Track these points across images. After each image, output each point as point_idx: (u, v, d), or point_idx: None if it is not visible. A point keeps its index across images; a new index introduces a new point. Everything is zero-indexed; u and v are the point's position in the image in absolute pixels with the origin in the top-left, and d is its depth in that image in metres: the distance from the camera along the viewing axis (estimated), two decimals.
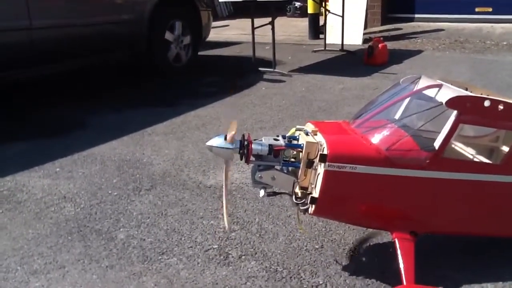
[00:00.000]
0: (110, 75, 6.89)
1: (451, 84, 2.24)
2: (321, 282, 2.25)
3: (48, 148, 4.01)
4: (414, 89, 2.30)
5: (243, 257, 2.46)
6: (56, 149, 3.96)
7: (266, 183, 2.11)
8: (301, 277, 2.29)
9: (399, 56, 7.49)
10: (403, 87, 2.34)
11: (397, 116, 2.24)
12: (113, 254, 2.49)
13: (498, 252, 2.41)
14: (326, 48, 8.26)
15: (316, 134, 2.10)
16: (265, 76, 6.49)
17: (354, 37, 8.81)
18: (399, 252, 2.02)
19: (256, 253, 2.49)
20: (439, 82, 2.21)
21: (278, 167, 2.11)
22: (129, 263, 2.42)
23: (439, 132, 2.03)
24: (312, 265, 2.38)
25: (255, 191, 3.15)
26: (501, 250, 2.41)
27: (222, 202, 2.15)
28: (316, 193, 2.03)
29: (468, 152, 2.40)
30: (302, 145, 2.06)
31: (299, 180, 2.07)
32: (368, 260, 2.43)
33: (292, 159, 2.12)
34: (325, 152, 1.97)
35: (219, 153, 2.08)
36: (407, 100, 2.27)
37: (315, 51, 8.33)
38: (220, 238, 2.64)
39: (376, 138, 2.05)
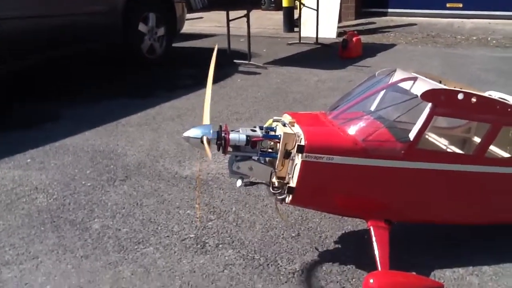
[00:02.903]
0: (85, 67, 6.75)
1: (425, 77, 2.29)
2: (298, 269, 2.27)
3: (19, 139, 3.91)
4: (390, 82, 2.33)
5: (220, 245, 2.47)
6: (28, 140, 3.86)
7: (243, 174, 2.12)
8: (278, 264, 2.31)
9: (372, 50, 7.57)
10: (378, 80, 2.37)
11: (373, 108, 2.27)
12: (88, 244, 2.46)
13: (468, 239, 2.47)
14: (301, 41, 8.29)
15: (293, 125, 2.11)
16: (240, 68, 6.47)
17: (328, 31, 8.87)
18: (374, 239, 2.06)
19: (233, 242, 2.50)
20: (414, 75, 2.25)
21: (255, 158, 2.11)
22: (105, 253, 2.39)
23: (414, 123, 2.07)
24: (289, 253, 2.40)
25: (231, 181, 3.15)
26: (470, 237, 2.48)
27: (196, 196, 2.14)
28: (293, 183, 2.04)
29: (441, 142, 2.45)
30: (279, 136, 2.07)
31: (276, 170, 2.08)
32: (344, 247, 2.46)
33: (269, 150, 2.13)
34: (303, 143, 1.98)
35: (195, 143, 2.07)
36: (382, 92, 2.30)
37: (290, 44, 8.34)
38: (197, 228, 2.63)
39: (352, 129, 2.07)
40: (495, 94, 2.48)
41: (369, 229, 2.10)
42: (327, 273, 2.24)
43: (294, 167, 2.05)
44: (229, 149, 2.07)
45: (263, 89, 5.48)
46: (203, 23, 11.33)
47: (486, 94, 2.51)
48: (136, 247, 2.44)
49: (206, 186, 3.13)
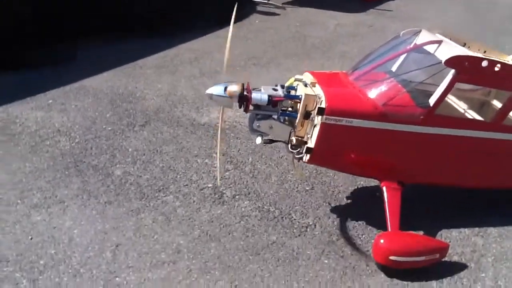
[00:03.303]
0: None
1: (450, 39, 2.26)
2: (310, 223, 2.38)
3: (38, 80, 3.94)
4: (414, 43, 2.31)
5: (237, 196, 2.57)
6: (48, 81, 3.90)
7: (263, 132, 2.16)
8: (292, 217, 2.42)
9: None
10: (403, 40, 2.34)
11: (395, 70, 2.27)
12: (111, 190, 2.57)
13: (475, 203, 2.54)
14: None
15: (314, 86, 2.13)
16: (258, 8, 6.33)
17: None
18: (386, 199, 2.13)
19: (249, 193, 2.59)
20: (439, 37, 2.22)
21: (275, 116, 2.15)
22: (127, 199, 2.50)
23: (436, 86, 2.07)
24: (303, 206, 2.50)
25: (248, 130, 3.21)
26: (477, 201, 2.54)
27: (216, 154, 2.20)
28: (312, 143, 2.09)
29: (461, 106, 2.46)
30: (300, 96, 2.09)
31: (295, 130, 2.12)
32: (355, 203, 2.56)
33: (290, 109, 2.16)
34: (323, 105, 2.01)
35: (219, 101, 2.11)
36: (406, 54, 2.28)
37: None
38: (215, 177, 2.72)
39: (373, 93, 2.09)
40: None
41: (382, 189, 2.17)
42: (338, 228, 2.34)
43: (313, 128, 2.09)
44: (251, 107, 2.11)
45: (281, 32, 5.40)
46: None
47: (510, 57, 2.48)
48: (156, 194, 2.55)
49: (223, 134, 3.18)
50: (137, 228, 2.30)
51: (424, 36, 2.29)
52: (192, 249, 2.18)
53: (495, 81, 2.08)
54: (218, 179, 2.28)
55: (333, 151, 2.11)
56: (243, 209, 2.47)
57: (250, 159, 2.91)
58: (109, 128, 3.23)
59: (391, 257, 1.97)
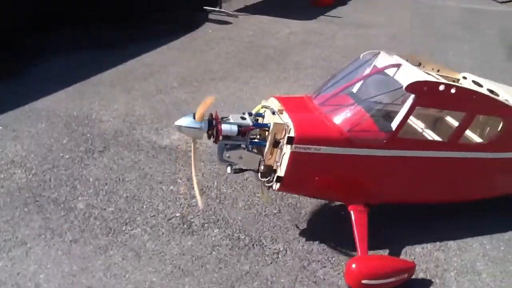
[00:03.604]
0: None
1: (407, 60, 2.35)
2: (281, 249, 2.41)
3: None
4: (373, 65, 2.37)
5: (205, 225, 2.56)
6: None
7: (233, 162, 2.17)
8: (263, 244, 2.44)
9: None
10: (363, 62, 2.40)
11: (356, 92, 2.32)
12: (75, 227, 2.50)
13: (434, 217, 2.64)
14: None
15: (282, 113, 2.15)
16: (210, 16, 6.30)
17: None
18: (354, 223, 2.20)
19: (218, 221, 2.59)
20: (397, 59, 2.29)
21: (243, 145, 2.16)
22: (93, 236, 2.44)
23: (396, 109, 2.15)
24: (272, 231, 2.52)
25: (210, 152, 3.20)
26: (437, 215, 2.65)
27: (193, 180, 2.18)
28: (281, 172, 2.12)
29: (418, 125, 2.56)
30: (269, 125, 2.11)
31: (265, 159, 2.14)
32: (323, 224, 2.60)
33: (258, 137, 2.18)
34: (292, 134, 2.04)
35: (188, 133, 2.10)
36: (364, 74, 2.34)
37: None
38: (182, 205, 2.70)
39: (338, 119, 2.14)
40: (469, 76, 2.57)
41: (350, 213, 2.22)
42: (308, 252, 2.39)
43: (282, 156, 2.11)
44: (220, 137, 2.11)
45: (235, 43, 5.40)
46: None
47: (460, 76, 2.60)
48: (123, 228, 2.50)
49: (186, 158, 3.16)
50: (107, 268, 2.25)
51: (382, 58, 2.36)
52: (166, 286, 2.16)
53: (451, 103, 2.18)
54: (200, 204, 2.24)
55: (302, 178, 2.15)
56: (213, 238, 2.47)
57: (215, 183, 2.91)
58: (67, 156, 3.13)
59: (363, 281, 2.04)
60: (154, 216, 2.61)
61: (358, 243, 2.15)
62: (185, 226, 2.54)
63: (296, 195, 2.74)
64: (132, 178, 2.93)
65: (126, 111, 3.75)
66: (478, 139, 2.47)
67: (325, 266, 2.30)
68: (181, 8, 6.46)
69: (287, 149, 2.07)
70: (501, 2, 7.37)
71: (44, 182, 2.85)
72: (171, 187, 2.86)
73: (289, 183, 2.14)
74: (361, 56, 2.46)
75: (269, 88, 4.17)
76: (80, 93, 4.01)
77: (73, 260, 2.28)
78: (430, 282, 2.21)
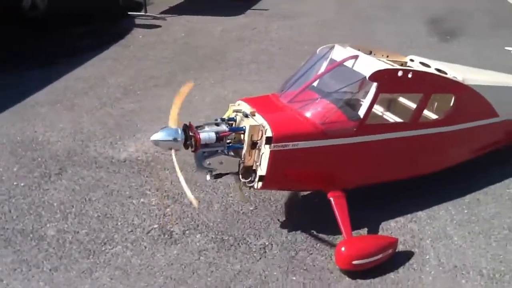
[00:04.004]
0: None
1: (359, 50, 2.48)
2: (267, 243, 2.46)
3: None
4: (330, 58, 2.48)
5: (187, 232, 2.55)
6: None
7: (214, 168, 2.19)
8: (248, 241, 2.47)
9: None
10: (321, 56, 2.50)
11: (317, 86, 2.41)
12: (51, 255, 2.39)
13: (400, 191, 2.79)
14: None
15: (254, 115, 2.20)
16: (137, 21, 6.17)
17: None
18: (335, 209, 2.30)
19: (198, 226, 2.59)
20: (352, 51, 2.41)
21: (220, 151, 2.18)
22: (73, 261, 2.35)
23: (358, 99, 2.28)
24: (254, 228, 2.56)
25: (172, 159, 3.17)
26: (403, 189, 2.80)
27: (182, 185, 2.16)
28: (263, 171, 2.17)
29: (378, 110, 2.71)
30: (244, 128, 2.15)
31: (244, 161, 2.18)
32: (300, 213, 2.68)
33: (229, 141, 2.21)
34: (270, 134, 2.09)
35: (166, 146, 2.09)
36: (325, 69, 2.44)
37: None
38: (157, 216, 2.67)
39: (310, 114, 2.22)
40: (416, 59, 2.75)
41: (330, 200, 2.32)
42: (293, 243, 2.46)
43: (261, 156, 2.16)
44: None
45: (169, 46, 5.34)
46: None
47: (407, 58, 2.78)
48: (103, 248, 2.44)
49: (149, 168, 3.12)
50: None
51: (338, 51, 2.47)
52: None
53: (410, 87, 2.34)
54: (195, 204, 2.21)
55: (283, 174, 2.21)
56: (197, 243, 2.47)
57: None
58: (22, 184, 2.97)
59: (354, 262, 2.15)
60: (132, 231, 2.56)
61: (342, 227, 2.25)
62: (166, 236, 2.52)
63: (273, 191, 2.80)
64: (98, 196, 2.84)
65: (73, 129, 3.61)
66: (433, 116, 2.66)
67: (311, 253, 2.38)
68: (104, 18, 6.28)
69: (265, 149, 2.13)
70: None
71: (4, 215, 2.69)
72: (142, 200, 2.81)
73: (270, 181, 2.19)
74: (317, 51, 2.55)
75: (216, 88, 4.19)
76: (18, 116, 3.80)
77: None
78: (411, 253, 2.36)
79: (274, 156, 2.12)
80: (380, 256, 2.21)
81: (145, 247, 2.45)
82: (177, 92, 2.24)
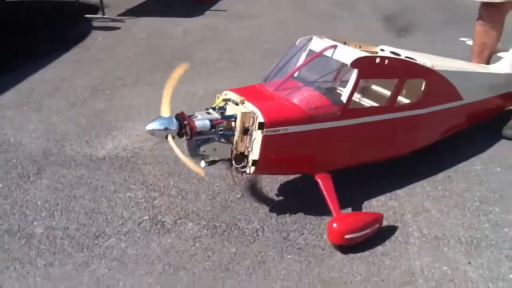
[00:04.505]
0: None
1: (334, 40, 2.62)
2: (258, 227, 2.54)
3: None
4: (308, 49, 2.60)
5: (178, 221, 2.59)
6: None
7: (208, 155, 2.25)
8: (240, 226, 2.55)
9: None
10: (300, 47, 2.62)
11: (301, 76, 2.53)
12: (44, 251, 2.37)
13: (378, 170, 2.97)
14: None
15: (243, 103, 2.28)
16: (95, 24, 6.08)
17: None
18: (323, 189, 2.42)
19: (188, 215, 2.64)
20: (332, 42, 2.55)
21: (212, 138, 2.25)
22: (67, 255, 2.34)
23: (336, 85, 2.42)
24: (243, 214, 2.64)
25: (153, 154, 3.20)
26: (379, 168, 2.98)
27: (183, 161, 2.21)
28: (255, 156, 2.26)
29: (355, 96, 2.86)
30: (235, 115, 2.23)
31: (236, 147, 2.26)
32: (286, 198, 2.79)
33: (221, 128, 2.28)
34: (262, 120, 2.19)
35: (161, 135, 2.14)
36: (305, 58, 2.56)
37: None
38: (146, 208, 2.69)
39: (297, 100, 2.33)
40: (386, 48, 2.93)
41: (317, 181, 2.44)
42: (283, 225, 2.55)
43: (253, 141, 2.25)
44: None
45: (131, 47, 5.32)
46: None
47: (378, 48, 2.95)
48: (96, 242, 2.44)
49: (130, 164, 3.13)
50: (97, 281, 2.19)
51: (316, 42, 2.60)
52: (165, 284, 2.18)
53: (386, 72, 2.51)
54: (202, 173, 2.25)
55: (274, 159, 2.30)
56: (190, 231, 2.51)
57: (171, 182, 2.93)
58: (0, 185, 2.91)
59: (346, 236, 2.27)
60: (123, 224, 2.57)
61: (331, 206, 2.37)
62: (158, 226, 2.55)
63: (259, 177, 2.89)
64: (83, 193, 2.82)
65: (46, 130, 3.54)
66: (404, 100, 2.84)
67: (303, 233, 2.49)
68: (59, 22, 6.16)
69: (258, 134, 2.21)
70: None
71: None
72: (128, 194, 2.82)
73: (263, 165, 2.28)
74: (296, 42, 2.67)
75: (186, 86, 4.23)
76: None
77: (57, 282, 2.18)
78: (394, 227, 2.52)
79: (265, 141, 2.21)
80: (368, 230, 2.35)
81: (139, 238, 2.47)
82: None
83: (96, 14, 6.32)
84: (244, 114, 2.20)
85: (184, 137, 2.19)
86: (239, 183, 2.82)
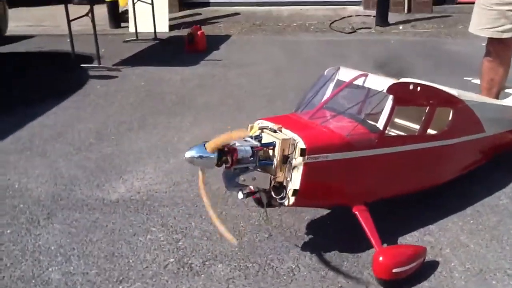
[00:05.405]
0: None
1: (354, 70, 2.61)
2: (293, 266, 2.39)
3: None
4: (336, 78, 2.58)
5: (206, 263, 2.43)
6: None
7: (247, 185, 2.14)
8: (273, 266, 2.40)
9: (213, 42, 7.74)
10: (329, 77, 2.59)
11: (332, 105, 2.49)
12: None
13: (409, 204, 2.87)
14: (138, 38, 8.05)
15: (281, 131, 2.21)
16: (91, 73, 6.03)
17: (160, 24, 8.75)
18: (362, 222, 2.31)
19: (216, 256, 2.48)
20: (361, 72, 2.53)
21: (251, 167, 2.15)
22: None
23: (372, 113, 2.38)
24: (275, 253, 2.49)
25: (169, 196, 3.07)
26: (411, 202, 2.89)
27: (210, 216, 2.09)
28: (294, 185, 2.15)
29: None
30: (274, 142, 2.14)
31: (276, 176, 2.16)
32: (316, 236, 2.65)
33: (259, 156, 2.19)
34: (303, 146, 2.10)
35: (201, 163, 2.03)
36: (333, 88, 2.53)
37: (126, 41, 8.03)
38: (170, 250, 2.53)
39: (335, 127, 2.27)
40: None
41: (355, 214, 2.33)
42: (320, 263, 2.41)
43: (292, 170, 2.15)
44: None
45: (132, 94, 5.25)
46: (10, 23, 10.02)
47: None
48: (120, 287, 2.25)
49: (147, 206, 2.98)
50: None
51: (344, 71, 2.58)
52: None
53: (419, 100, 2.48)
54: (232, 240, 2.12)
55: (314, 188, 2.21)
56: (221, 273, 2.35)
57: (192, 223, 2.78)
58: (8, 231, 2.72)
59: (394, 270, 2.14)
60: (147, 267, 2.39)
61: (372, 239, 2.25)
62: (186, 269, 2.38)
63: (276, 214, 2.76)
64: (100, 237, 2.65)
65: (52, 175, 3.39)
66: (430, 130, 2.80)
67: (342, 271, 2.35)
68: (55, 71, 6.12)
69: (299, 162, 2.12)
70: (348, 33, 8.43)
71: None
72: (149, 236, 2.66)
73: (303, 195, 2.18)
74: (325, 72, 2.65)
75: (193, 128, 4.15)
76: None
77: None
78: (436, 262, 2.40)
79: (307, 169, 2.12)
80: (415, 263, 2.23)
81: (167, 281, 2.29)
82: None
83: (91, 63, 6.30)
84: (284, 141, 2.12)
85: (224, 166, 2.07)
86: (270, 221, 2.68)
